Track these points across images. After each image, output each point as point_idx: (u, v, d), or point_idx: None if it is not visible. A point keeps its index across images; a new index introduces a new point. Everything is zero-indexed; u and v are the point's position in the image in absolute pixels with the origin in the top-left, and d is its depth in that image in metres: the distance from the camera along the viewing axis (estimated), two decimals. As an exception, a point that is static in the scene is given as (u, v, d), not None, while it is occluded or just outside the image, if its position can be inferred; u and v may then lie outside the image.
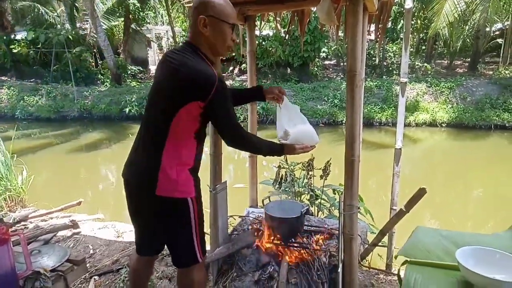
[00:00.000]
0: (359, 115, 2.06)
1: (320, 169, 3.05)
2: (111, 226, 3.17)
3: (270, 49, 14.60)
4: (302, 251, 2.38)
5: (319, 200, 3.22)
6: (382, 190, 6.62)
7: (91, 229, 3.14)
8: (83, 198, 3.93)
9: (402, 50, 2.11)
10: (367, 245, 2.54)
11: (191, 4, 2.59)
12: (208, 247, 2.27)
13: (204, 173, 1.79)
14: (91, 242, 2.86)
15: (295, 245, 2.40)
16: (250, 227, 2.65)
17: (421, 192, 2.13)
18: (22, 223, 3.10)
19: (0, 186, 3.81)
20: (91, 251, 2.73)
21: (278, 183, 3.13)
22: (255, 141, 1.70)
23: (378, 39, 3.00)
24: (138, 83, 16.06)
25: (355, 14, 1.87)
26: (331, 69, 18.09)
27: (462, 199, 6.32)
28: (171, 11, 19.90)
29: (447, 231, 1.62)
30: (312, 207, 3.25)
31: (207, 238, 2.44)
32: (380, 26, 2.84)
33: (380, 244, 2.43)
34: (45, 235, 2.78)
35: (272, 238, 2.41)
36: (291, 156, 1.99)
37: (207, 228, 1.99)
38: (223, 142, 2.09)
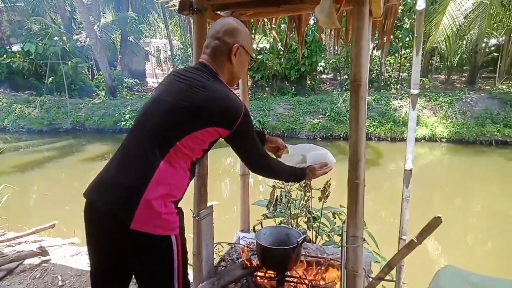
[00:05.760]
0: (364, 131, 1.80)
1: (318, 189, 2.78)
2: (85, 253, 2.83)
3: (267, 62, 14.48)
4: (298, 287, 2.09)
5: (317, 223, 2.93)
6: (384, 211, 6.31)
7: (63, 256, 2.81)
8: (61, 219, 3.62)
9: (413, 57, 1.87)
10: (371, 279, 2.24)
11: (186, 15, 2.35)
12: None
13: (188, 195, 1.54)
14: (60, 272, 2.53)
15: (291, 279, 2.10)
16: (239, 257, 2.35)
17: (435, 222, 1.83)
18: (-15, 249, 2.80)
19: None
20: (60, 283, 2.41)
21: (272, 205, 2.84)
22: (278, 168, 1.64)
23: (381, 48, 2.77)
24: (134, 96, 15.88)
25: (360, 16, 1.62)
26: (328, 83, 18.00)
27: (470, 220, 5.99)
28: (169, 24, 19.91)
29: (477, 276, 1.33)
30: (310, 230, 2.97)
31: (189, 272, 2.15)
32: (384, 36, 2.62)
33: (386, 278, 2.13)
34: (8, 263, 2.47)
35: (264, 271, 2.12)
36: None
37: (189, 259, 1.70)
38: (209, 160, 1.88)
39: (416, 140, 11.84)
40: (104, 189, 1.34)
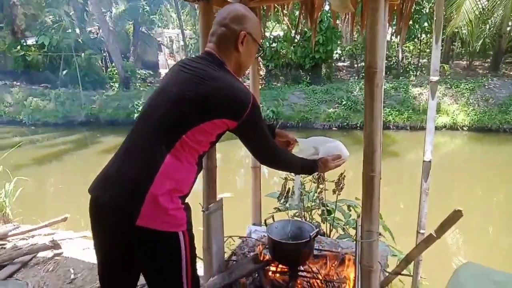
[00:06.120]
0: (380, 122, 1.69)
1: (332, 181, 2.69)
2: (96, 247, 2.84)
3: (281, 50, 14.24)
4: (312, 282, 2.02)
5: (332, 215, 2.85)
6: (402, 202, 6.14)
7: (75, 249, 2.83)
8: (76, 212, 3.65)
9: (433, 43, 1.75)
10: (387, 273, 2.15)
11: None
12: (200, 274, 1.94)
13: (197, 189, 1.50)
14: (73, 265, 2.54)
15: (304, 274, 2.04)
16: (251, 251, 2.30)
17: (456, 215, 1.73)
18: (0, 242, 2.83)
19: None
20: (72, 276, 2.41)
21: (284, 197, 2.76)
22: (289, 159, 1.59)
23: (399, 35, 2.62)
24: (148, 87, 15.93)
25: (375, -1, 1.51)
26: (344, 71, 17.64)
27: (492, 212, 5.75)
28: (181, 14, 19.84)
29: (500, 274, 1.23)
30: (324, 223, 2.89)
31: (199, 266, 2.11)
32: (402, 21, 2.47)
33: (403, 273, 2.04)
34: (22, 256, 2.49)
35: (276, 266, 2.06)
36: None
37: (199, 253, 1.65)
38: (222, 151, 1.81)
39: (437, 128, 11.59)
40: (109, 183, 1.30)
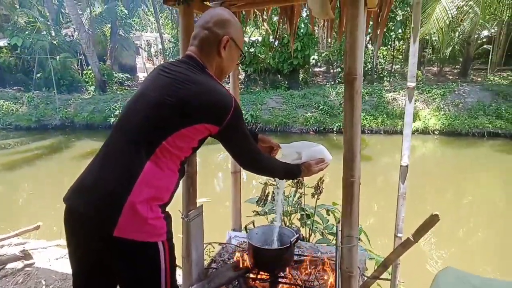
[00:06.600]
0: (359, 127, 1.72)
1: (311, 187, 2.71)
2: (70, 256, 2.73)
3: (259, 55, 14.32)
4: (292, 288, 2.02)
5: (311, 219, 2.86)
6: (377, 205, 6.26)
7: (47, 259, 2.70)
8: (49, 219, 3.51)
9: (410, 48, 1.79)
10: (366, 278, 2.18)
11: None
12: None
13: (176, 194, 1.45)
14: (44, 276, 2.43)
15: (284, 280, 2.03)
16: (231, 258, 2.27)
17: (433, 219, 1.77)
18: (-35, 253, 2.67)
19: None
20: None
21: (263, 201, 2.76)
22: (272, 164, 1.56)
23: (375, 41, 2.68)
24: (125, 91, 15.61)
25: (355, 5, 1.53)
26: (321, 76, 17.92)
27: (468, 216, 5.94)
28: (159, 18, 19.63)
29: (477, 278, 1.26)
30: (303, 228, 2.90)
31: (178, 274, 2.06)
32: (378, 27, 2.53)
33: (381, 277, 2.07)
34: (-10, 268, 2.36)
35: (257, 272, 2.04)
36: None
37: (179, 261, 1.61)
38: (201, 155, 1.80)
39: (410, 132, 11.74)
40: (85, 192, 1.24)
